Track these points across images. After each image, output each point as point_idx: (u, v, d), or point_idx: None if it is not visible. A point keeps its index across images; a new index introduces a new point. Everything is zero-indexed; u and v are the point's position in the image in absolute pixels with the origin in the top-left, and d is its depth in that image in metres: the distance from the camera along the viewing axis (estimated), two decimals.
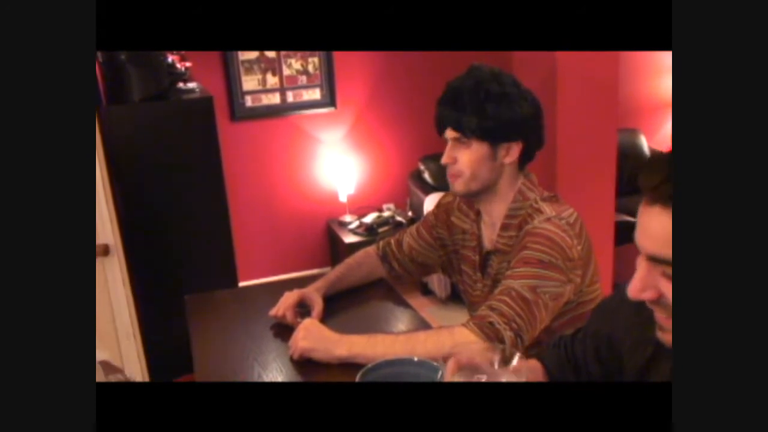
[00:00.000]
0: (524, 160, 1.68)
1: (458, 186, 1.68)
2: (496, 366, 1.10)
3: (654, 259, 0.90)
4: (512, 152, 1.63)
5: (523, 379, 1.09)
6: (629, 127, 4.80)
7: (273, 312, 1.81)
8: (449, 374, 1.08)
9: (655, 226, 0.89)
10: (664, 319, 0.94)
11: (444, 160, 1.67)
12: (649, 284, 0.92)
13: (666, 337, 0.95)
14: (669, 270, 0.88)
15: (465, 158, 1.63)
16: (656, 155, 0.90)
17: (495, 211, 1.70)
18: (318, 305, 1.81)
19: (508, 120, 1.59)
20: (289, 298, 1.82)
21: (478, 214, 1.77)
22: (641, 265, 0.92)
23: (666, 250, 0.87)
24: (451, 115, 1.62)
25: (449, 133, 1.64)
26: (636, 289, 0.93)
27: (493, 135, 1.60)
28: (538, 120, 1.65)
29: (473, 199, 1.75)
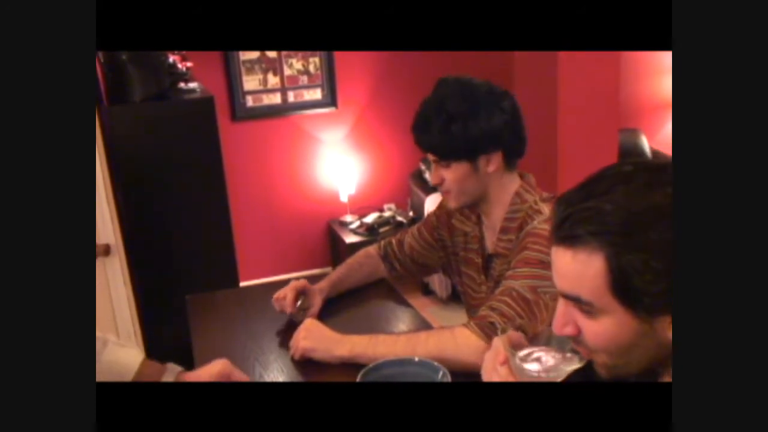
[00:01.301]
0: (510, 161, 1.66)
1: (451, 203, 1.70)
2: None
3: (565, 296, 0.94)
4: (493, 161, 1.61)
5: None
6: (630, 127, 4.79)
7: (277, 294, 1.82)
8: (502, 348, 1.06)
9: (559, 266, 0.94)
10: (588, 354, 0.97)
11: (432, 182, 1.69)
12: (569, 320, 0.95)
13: (596, 368, 0.98)
14: (581, 307, 0.92)
15: (449, 177, 1.63)
16: (561, 197, 0.95)
17: (494, 215, 1.70)
18: (315, 306, 1.81)
19: (477, 135, 1.57)
20: (296, 284, 1.83)
21: (478, 217, 1.77)
22: (560, 302, 0.97)
23: (571, 288, 0.93)
24: (423, 140, 1.62)
25: (430, 156, 1.64)
26: (558, 324, 0.97)
27: (466, 153, 1.59)
28: (513, 125, 1.62)
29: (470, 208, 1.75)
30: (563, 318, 0.96)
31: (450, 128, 1.56)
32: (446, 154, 1.60)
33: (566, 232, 0.91)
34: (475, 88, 1.60)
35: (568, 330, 0.96)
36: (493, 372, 1.05)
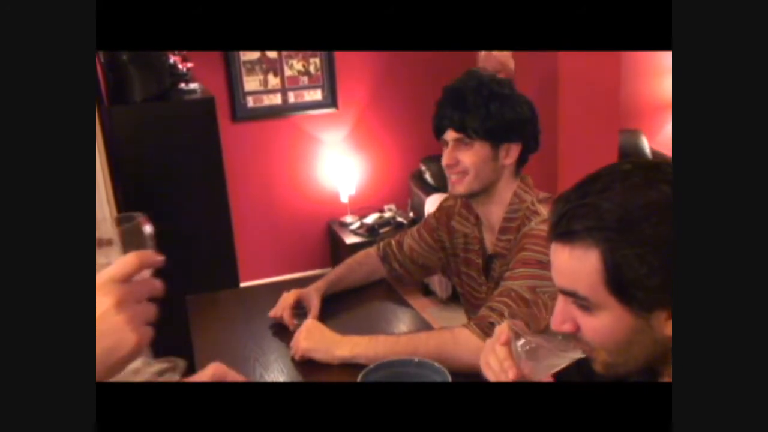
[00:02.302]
0: (521, 162, 1.69)
1: (460, 187, 1.68)
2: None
3: (563, 292, 0.96)
4: (512, 153, 1.65)
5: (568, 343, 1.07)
6: (630, 128, 4.79)
7: (272, 313, 1.82)
8: (503, 337, 1.06)
9: (557, 262, 0.95)
10: (588, 351, 0.98)
11: (445, 161, 1.67)
12: (567, 317, 0.97)
13: (595, 367, 0.99)
14: (578, 302, 0.94)
15: (468, 159, 1.64)
16: (559, 196, 0.96)
17: (492, 215, 1.71)
18: (314, 307, 1.81)
19: (510, 120, 1.61)
20: (287, 298, 1.82)
21: (477, 218, 1.78)
22: (558, 299, 0.98)
23: (568, 284, 0.94)
24: (454, 116, 1.63)
25: (450, 135, 1.64)
26: (556, 321, 0.98)
27: (496, 135, 1.62)
28: (535, 123, 1.68)
29: (471, 202, 1.75)
30: (561, 315, 0.97)
31: (489, 106, 1.60)
32: (475, 132, 1.62)
33: (563, 229, 0.92)
34: (503, 80, 1.67)
35: (566, 327, 0.97)
36: (491, 353, 1.06)
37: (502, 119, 1.60)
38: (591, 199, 0.90)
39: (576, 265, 0.92)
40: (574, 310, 0.96)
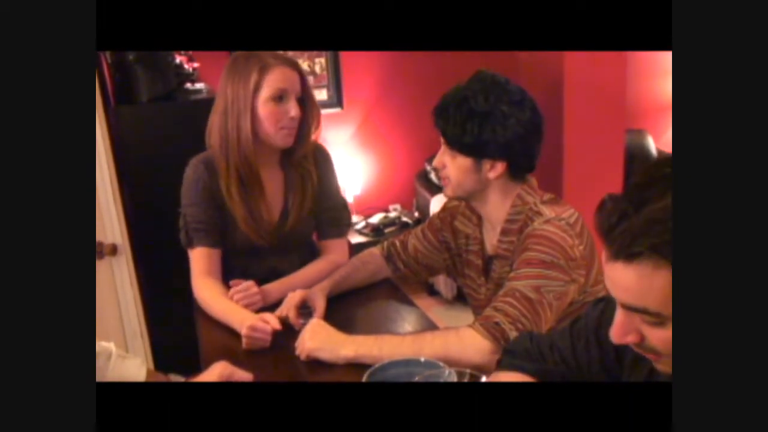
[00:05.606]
0: (515, 173, 1.66)
1: (447, 191, 1.72)
2: None
3: (629, 308, 0.91)
4: (496, 169, 1.62)
5: None
6: (636, 128, 4.78)
7: (278, 312, 1.82)
8: None
9: (620, 281, 0.90)
10: (652, 357, 0.95)
11: (434, 162, 1.71)
12: (630, 329, 0.93)
13: (660, 367, 0.96)
14: (647, 317, 0.90)
15: (451, 167, 1.66)
16: (608, 203, 0.91)
17: (494, 217, 1.70)
18: (320, 307, 1.81)
19: (487, 140, 1.58)
20: (292, 298, 1.83)
21: (480, 219, 1.78)
22: (619, 312, 0.93)
23: (635, 301, 0.89)
24: (438, 124, 1.64)
25: (442, 139, 1.66)
26: (618, 335, 0.94)
27: (473, 151, 1.61)
28: (526, 141, 1.61)
29: (470, 204, 1.76)
30: (623, 328, 0.93)
31: (465, 124, 1.58)
32: (455, 146, 1.62)
33: (627, 250, 0.87)
34: (504, 93, 1.59)
35: (630, 338, 0.93)
36: None
37: (478, 138, 1.57)
38: (649, 213, 0.85)
39: (645, 283, 0.87)
40: (640, 324, 0.92)
